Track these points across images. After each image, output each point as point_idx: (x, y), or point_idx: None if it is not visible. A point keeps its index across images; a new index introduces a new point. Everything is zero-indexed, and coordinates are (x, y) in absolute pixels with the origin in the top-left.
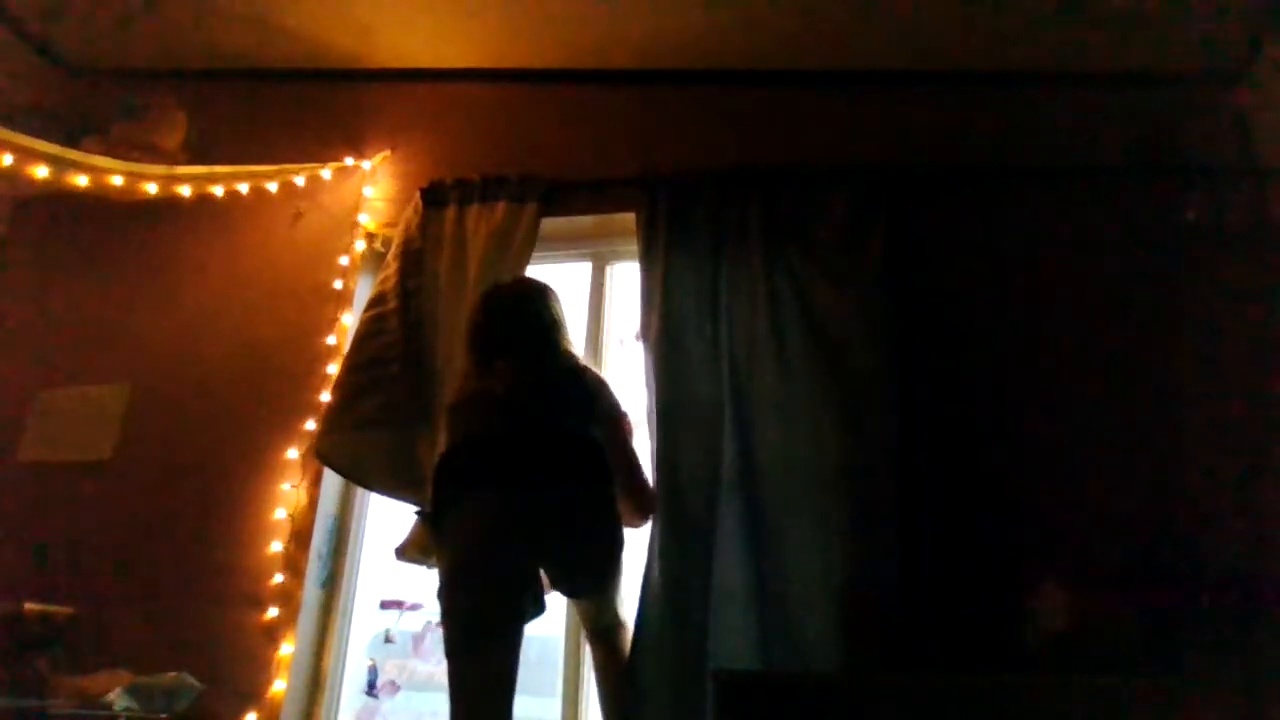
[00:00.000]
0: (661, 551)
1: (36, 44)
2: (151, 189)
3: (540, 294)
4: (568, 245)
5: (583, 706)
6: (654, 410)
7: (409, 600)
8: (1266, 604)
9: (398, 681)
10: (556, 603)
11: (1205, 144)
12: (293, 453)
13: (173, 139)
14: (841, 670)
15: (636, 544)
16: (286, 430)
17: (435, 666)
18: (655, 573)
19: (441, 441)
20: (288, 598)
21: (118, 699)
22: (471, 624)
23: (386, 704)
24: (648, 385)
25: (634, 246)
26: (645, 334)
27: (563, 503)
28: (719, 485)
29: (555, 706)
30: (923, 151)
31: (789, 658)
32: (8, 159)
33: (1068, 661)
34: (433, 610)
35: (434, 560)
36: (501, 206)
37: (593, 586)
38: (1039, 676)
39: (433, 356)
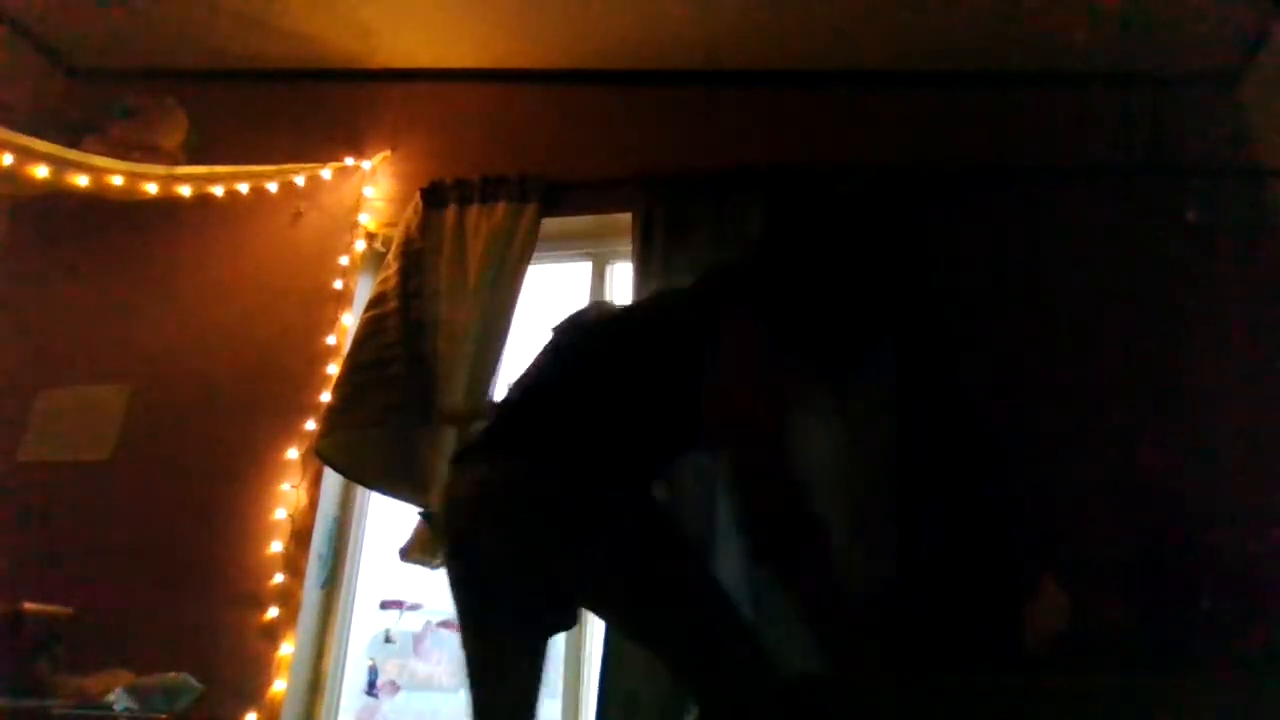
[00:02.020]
0: None
1: (37, 43)
2: (152, 189)
3: None
4: (568, 245)
5: (583, 706)
6: None
7: (409, 600)
8: (1267, 604)
9: (398, 682)
10: None
11: (1205, 144)
12: (293, 453)
13: (173, 139)
14: (841, 670)
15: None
16: (287, 430)
17: (435, 666)
18: None
19: None
20: (288, 598)
21: (118, 699)
22: None
23: (386, 704)
24: None
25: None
26: None
27: None
28: (715, 487)
29: (555, 707)
30: (923, 151)
31: (787, 658)
32: (8, 159)
33: (1068, 661)
34: (433, 610)
35: (438, 561)
36: (501, 207)
37: None
38: (1039, 676)
39: (433, 357)
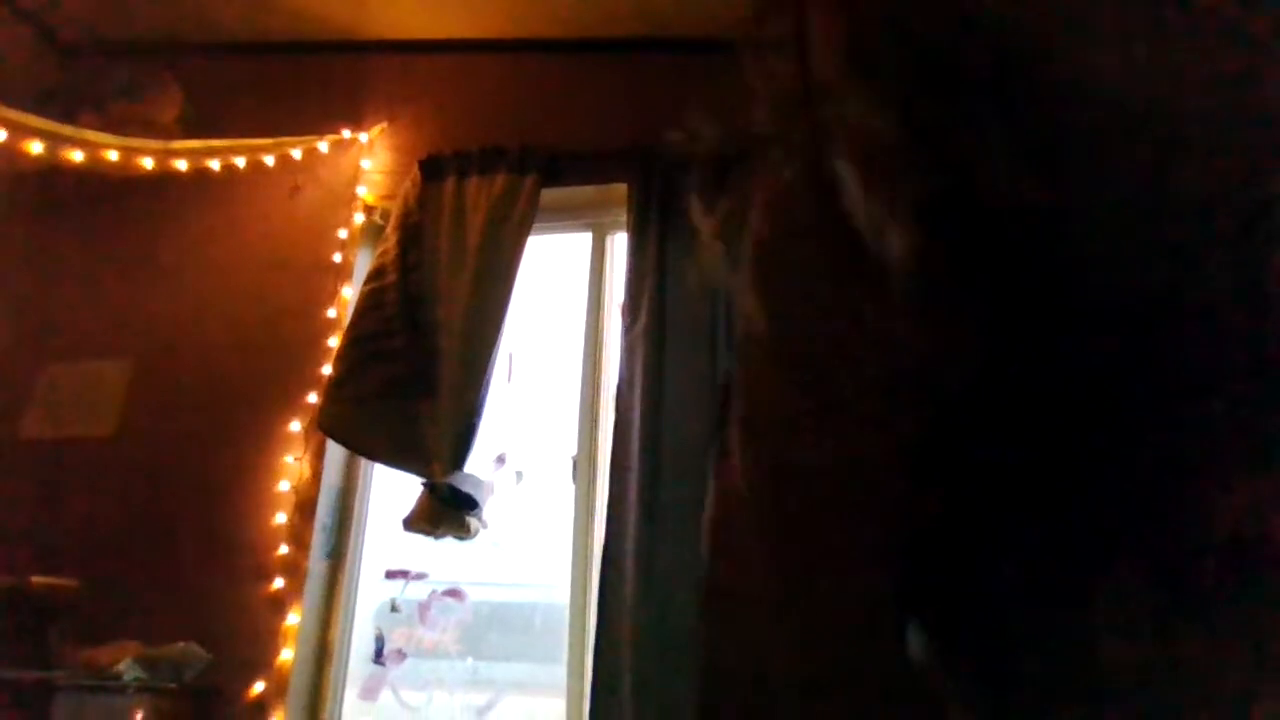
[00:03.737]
0: (643, 535)
1: (30, 19)
2: (148, 164)
3: None
4: (568, 216)
5: (586, 673)
6: (640, 387)
7: (414, 570)
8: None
9: (404, 650)
10: (563, 570)
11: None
12: (295, 425)
13: (168, 113)
14: None
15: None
16: (289, 403)
17: (441, 635)
18: (635, 556)
19: None
20: (293, 569)
21: (127, 669)
22: None
23: (393, 672)
24: (629, 360)
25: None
26: (633, 311)
27: None
28: (711, 463)
29: (560, 672)
30: None
31: None
32: (2, 135)
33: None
34: (438, 580)
35: (440, 530)
36: (500, 178)
37: None
38: None
39: (433, 329)
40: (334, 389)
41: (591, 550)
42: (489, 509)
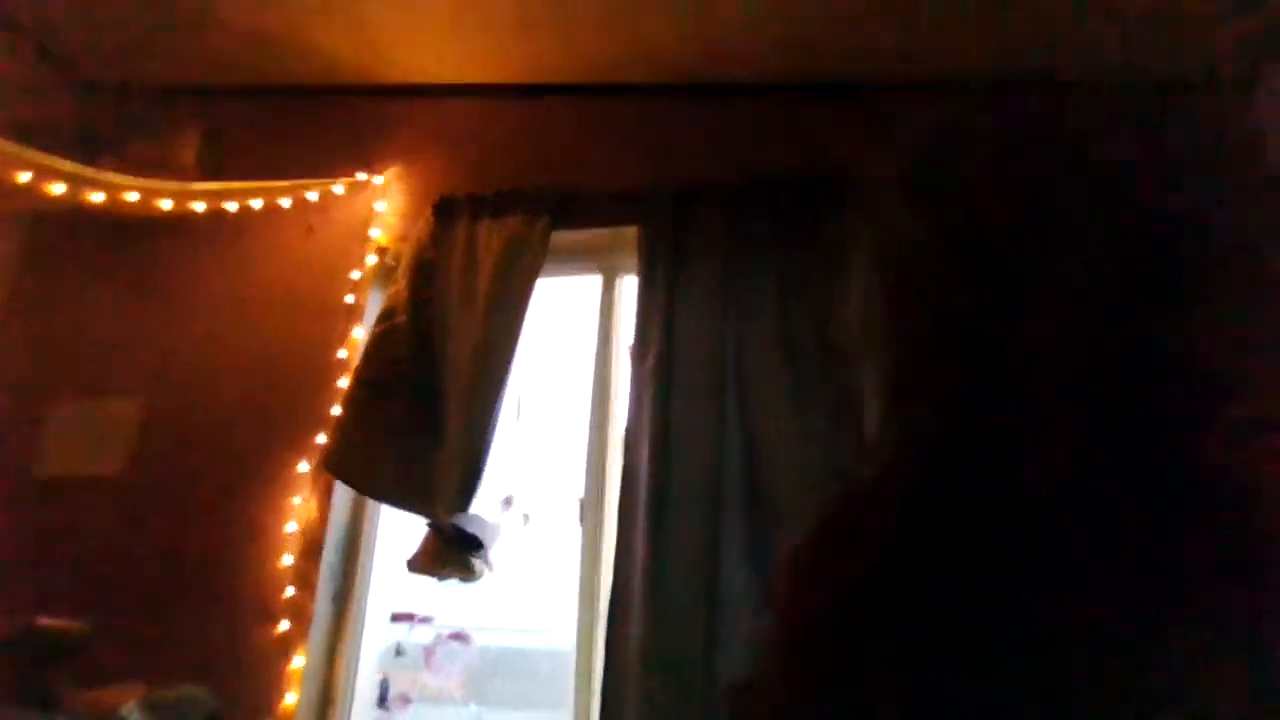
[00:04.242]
0: (651, 579)
1: (52, 60)
2: (166, 205)
3: None
4: (579, 258)
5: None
6: (648, 430)
7: (420, 613)
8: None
9: (409, 695)
10: (569, 614)
11: (1215, 153)
12: (304, 466)
13: (186, 155)
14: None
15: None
16: (297, 444)
17: (446, 680)
18: (643, 601)
19: None
20: (299, 611)
21: (131, 713)
22: None
23: (398, 718)
24: (637, 403)
25: None
26: (641, 352)
27: None
28: (721, 504)
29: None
30: None
31: None
32: (25, 176)
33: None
34: (444, 623)
35: (445, 572)
36: (512, 220)
37: None
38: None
39: (443, 370)
40: (341, 429)
41: (599, 594)
42: (495, 551)
